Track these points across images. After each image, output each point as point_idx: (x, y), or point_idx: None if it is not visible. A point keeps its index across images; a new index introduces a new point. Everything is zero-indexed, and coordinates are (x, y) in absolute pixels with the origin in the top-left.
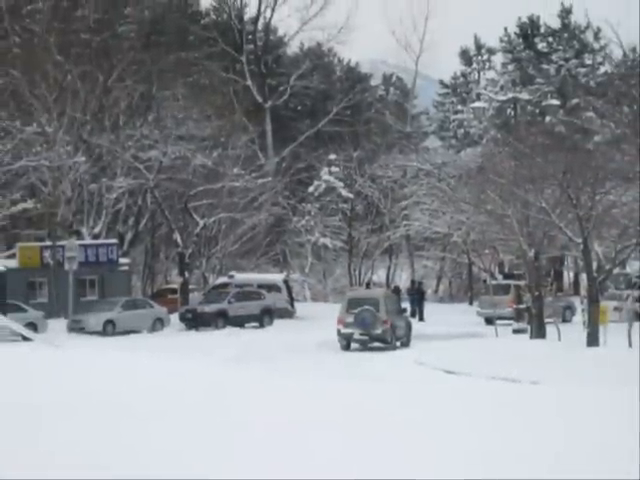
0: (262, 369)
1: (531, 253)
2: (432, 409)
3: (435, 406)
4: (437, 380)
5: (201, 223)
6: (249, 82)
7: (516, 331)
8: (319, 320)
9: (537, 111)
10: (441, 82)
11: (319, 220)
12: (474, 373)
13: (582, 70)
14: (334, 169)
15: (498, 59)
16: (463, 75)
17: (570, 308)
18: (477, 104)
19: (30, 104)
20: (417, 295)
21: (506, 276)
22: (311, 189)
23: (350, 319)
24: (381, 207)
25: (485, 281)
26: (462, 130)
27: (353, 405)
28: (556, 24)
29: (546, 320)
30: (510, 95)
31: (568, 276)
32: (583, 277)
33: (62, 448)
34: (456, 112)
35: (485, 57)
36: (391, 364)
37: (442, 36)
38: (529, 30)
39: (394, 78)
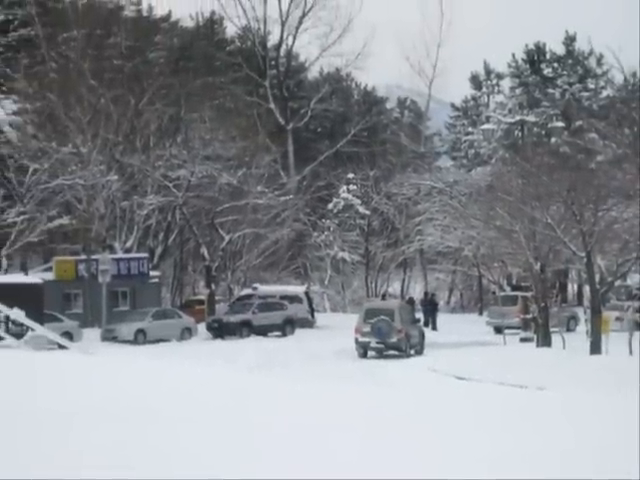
0: (284, 375)
1: (537, 266)
2: (444, 413)
3: (447, 410)
4: (449, 386)
5: (227, 238)
6: (272, 105)
7: (523, 340)
8: (338, 329)
9: (543, 133)
10: (453, 105)
11: (338, 235)
12: (484, 379)
13: (585, 94)
14: (352, 187)
15: (506, 84)
16: (473, 99)
17: (574, 318)
18: (487, 126)
19: (66, 126)
20: (430, 306)
21: (514, 288)
22: (330, 206)
23: (367, 328)
24: (396, 223)
25: (494, 293)
26: (472, 150)
27: (370, 409)
28: (561, 51)
29: (551, 329)
30: (518, 118)
31: (572, 288)
32: (586, 289)
33: (92, 449)
34: (467, 133)
35: (494, 82)
36: (405, 371)
37: (453, 62)
38: (535, 56)
39: (408, 101)
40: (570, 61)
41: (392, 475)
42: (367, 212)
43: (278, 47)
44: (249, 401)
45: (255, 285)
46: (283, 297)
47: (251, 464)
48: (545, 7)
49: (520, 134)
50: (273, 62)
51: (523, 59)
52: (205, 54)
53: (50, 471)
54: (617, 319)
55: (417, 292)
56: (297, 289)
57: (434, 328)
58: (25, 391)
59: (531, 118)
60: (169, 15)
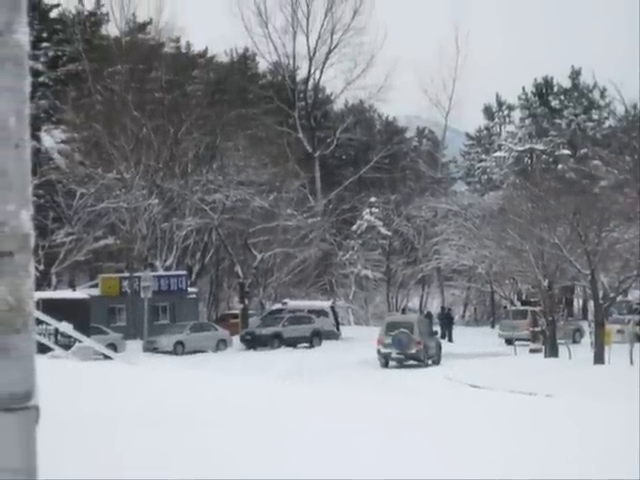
0: (312, 383)
1: (545, 283)
2: (459, 418)
3: (461, 416)
4: (463, 393)
5: (259, 257)
6: (300, 134)
7: (532, 351)
8: (361, 341)
9: (551, 160)
10: (467, 134)
11: (361, 254)
12: (496, 387)
13: (590, 124)
14: (374, 210)
15: (517, 114)
16: (486, 128)
17: (579, 331)
18: (498, 154)
19: (110, 154)
20: (446, 319)
21: (524, 303)
22: (354, 227)
23: (388, 340)
24: (415, 243)
25: (505, 307)
26: (485, 176)
27: (389, 414)
28: (567, 84)
29: (558, 341)
30: (527, 146)
31: (578, 303)
32: (591, 304)
33: (134, 451)
34: (480, 160)
35: (505, 113)
36: (423, 379)
37: (468, 95)
38: (544, 89)
39: (426, 131)
40: (576, 94)
41: (410, 474)
42: (388, 233)
43: (306, 81)
44: (280, 407)
45: (285, 300)
46: (311, 311)
47: (281, 465)
48: (552, 44)
49: (529, 161)
50: (301, 95)
51: (532, 92)
52: (239, 87)
53: (95, 471)
54: (619, 332)
55: (434, 307)
56: (324, 304)
57: (450, 340)
58: (72, 397)
59: (539, 146)
60: (205, 51)
